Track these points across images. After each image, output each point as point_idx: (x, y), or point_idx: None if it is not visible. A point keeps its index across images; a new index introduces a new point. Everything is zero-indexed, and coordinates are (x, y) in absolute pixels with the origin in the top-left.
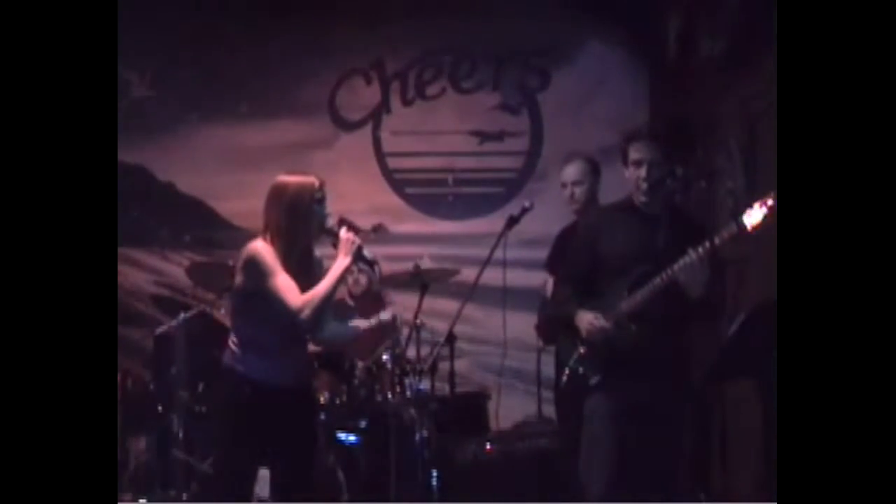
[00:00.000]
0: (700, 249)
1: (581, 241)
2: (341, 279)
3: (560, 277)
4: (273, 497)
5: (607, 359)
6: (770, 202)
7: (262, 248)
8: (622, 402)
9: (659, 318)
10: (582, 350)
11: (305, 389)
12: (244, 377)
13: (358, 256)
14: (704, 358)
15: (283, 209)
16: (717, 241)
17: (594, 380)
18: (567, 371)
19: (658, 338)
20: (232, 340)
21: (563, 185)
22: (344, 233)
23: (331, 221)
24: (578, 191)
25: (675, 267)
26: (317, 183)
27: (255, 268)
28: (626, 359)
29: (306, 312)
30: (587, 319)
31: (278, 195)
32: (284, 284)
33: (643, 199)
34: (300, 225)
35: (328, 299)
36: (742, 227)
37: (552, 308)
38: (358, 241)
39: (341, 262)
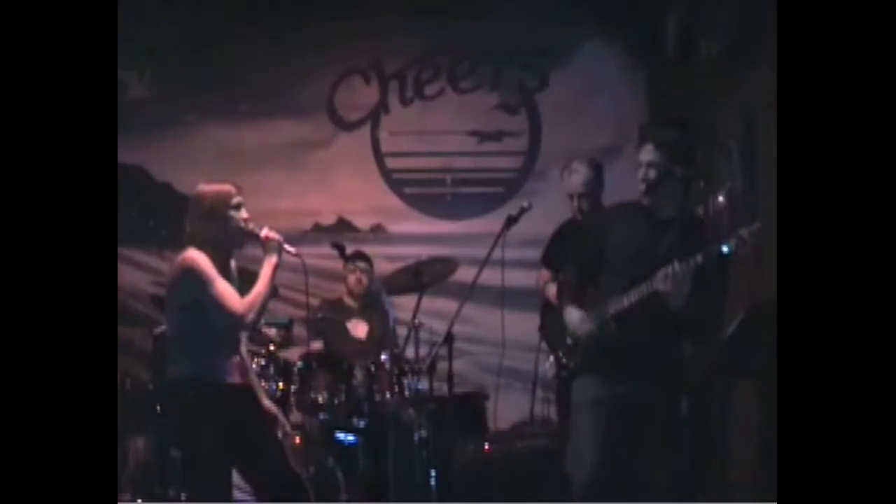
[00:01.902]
0: (683, 263)
1: (591, 236)
2: (273, 277)
3: (568, 271)
4: (252, 490)
5: (592, 353)
6: (754, 229)
7: (197, 256)
8: (607, 392)
9: (643, 322)
10: (569, 341)
11: (248, 383)
12: (189, 379)
13: (281, 252)
14: (700, 358)
15: (202, 218)
16: (699, 259)
17: (576, 366)
18: (551, 360)
19: (642, 340)
20: (183, 350)
21: (570, 196)
22: (265, 233)
23: (251, 225)
24: (585, 203)
25: (657, 276)
26: (233, 190)
27: (193, 277)
28: (612, 356)
29: (251, 317)
30: (574, 319)
31: (196, 205)
32: (225, 291)
33: (645, 200)
34: (220, 231)
35: (267, 300)
36: (724, 254)
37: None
38: (279, 238)
39: (270, 261)
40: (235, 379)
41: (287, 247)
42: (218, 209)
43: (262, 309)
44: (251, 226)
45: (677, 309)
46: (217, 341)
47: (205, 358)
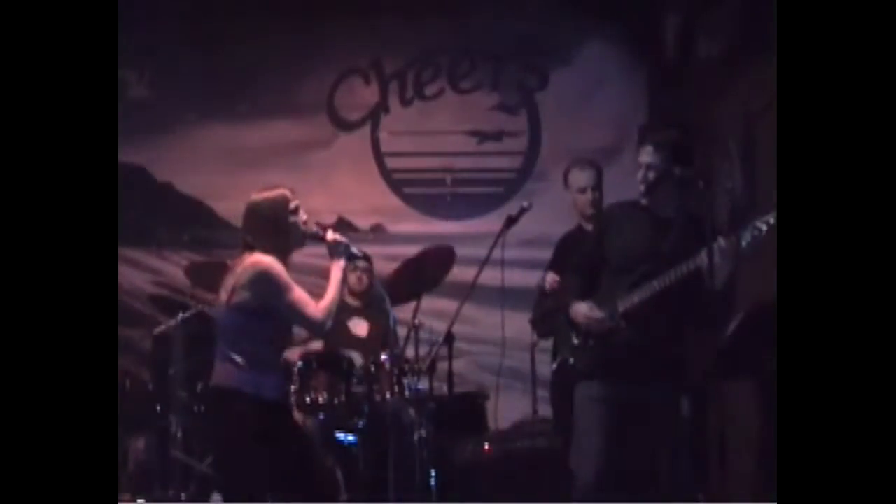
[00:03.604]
0: (731, 239)
1: (594, 236)
2: (344, 281)
3: (569, 270)
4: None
5: (599, 353)
6: (770, 219)
7: (272, 262)
8: (612, 391)
9: (654, 319)
10: (575, 342)
11: (287, 399)
12: (254, 398)
13: (349, 255)
14: (701, 358)
15: (263, 226)
16: (747, 237)
17: (582, 366)
18: (557, 361)
19: (650, 338)
20: (235, 359)
21: (582, 190)
22: (330, 235)
23: (314, 227)
24: (597, 195)
25: (700, 254)
26: (288, 193)
27: (269, 283)
28: (618, 355)
29: (329, 323)
30: (582, 311)
31: (254, 215)
32: (303, 298)
33: (644, 200)
34: (282, 237)
35: (338, 304)
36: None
37: (552, 300)
38: (345, 240)
39: (338, 264)
40: (278, 394)
41: (354, 249)
42: (278, 216)
43: (335, 314)
44: (314, 228)
45: (717, 286)
46: (275, 354)
47: (255, 370)
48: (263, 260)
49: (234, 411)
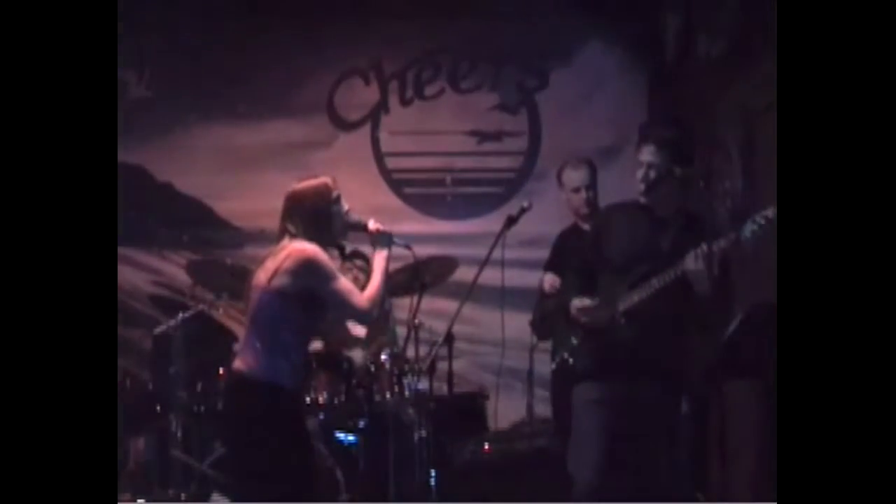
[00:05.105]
0: (714, 244)
1: (592, 236)
2: (388, 270)
3: (567, 270)
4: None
5: (597, 353)
6: (770, 214)
7: (318, 250)
8: (611, 391)
9: (653, 318)
10: (574, 341)
11: (301, 390)
12: (273, 388)
13: (391, 244)
14: (702, 358)
15: (307, 217)
16: (732, 237)
17: (581, 366)
18: (556, 360)
19: (650, 337)
20: (260, 346)
21: (576, 190)
22: (372, 224)
23: (355, 216)
24: (591, 194)
25: (687, 258)
26: (330, 182)
27: (316, 270)
28: (617, 355)
29: (375, 312)
30: (578, 304)
31: (298, 204)
32: (348, 287)
33: (643, 199)
34: (326, 228)
35: (385, 294)
36: (745, 238)
37: (551, 302)
38: (388, 230)
39: (381, 254)
40: (297, 384)
41: (396, 239)
42: (321, 206)
43: (382, 304)
44: (355, 218)
45: (703, 291)
46: (296, 342)
47: (279, 359)
48: (309, 247)
49: (251, 400)
